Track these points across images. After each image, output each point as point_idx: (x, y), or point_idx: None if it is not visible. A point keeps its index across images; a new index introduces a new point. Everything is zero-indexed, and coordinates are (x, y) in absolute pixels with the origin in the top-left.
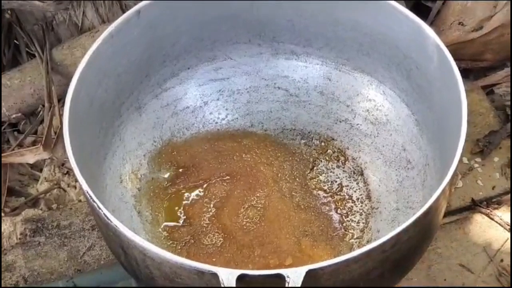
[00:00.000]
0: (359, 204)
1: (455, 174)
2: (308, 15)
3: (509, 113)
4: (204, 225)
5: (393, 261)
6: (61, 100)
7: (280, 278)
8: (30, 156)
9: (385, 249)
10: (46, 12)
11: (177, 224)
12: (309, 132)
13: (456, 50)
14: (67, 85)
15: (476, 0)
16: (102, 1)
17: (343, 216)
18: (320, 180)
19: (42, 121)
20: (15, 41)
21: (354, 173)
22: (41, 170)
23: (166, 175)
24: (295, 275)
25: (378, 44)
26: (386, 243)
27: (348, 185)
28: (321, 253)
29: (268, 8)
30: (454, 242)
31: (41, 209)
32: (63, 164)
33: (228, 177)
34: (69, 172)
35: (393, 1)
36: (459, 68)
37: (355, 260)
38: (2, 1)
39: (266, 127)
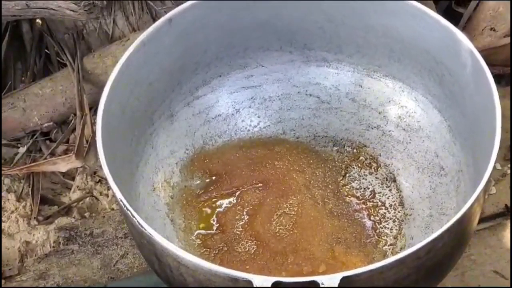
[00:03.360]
0: (392, 210)
1: (489, 181)
2: (339, 22)
3: None
4: (237, 232)
5: (428, 268)
6: (92, 108)
7: (315, 285)
8: (62, 165)
9: (420, 256)
10: (77, 21)
11: (210, 231)
12: (341, 139)
13: (488, 55)
14: (98, 93)
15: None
16: (132, 10)
17: (376, 223)
18: (353, 187)
19: (73, 130)
20: (46, 50)
21: (386, 179)
22: (73, 179)
23: (199, 183)
24: (330, 282)
25: (410, 50)
26: (421, 250)
27: (380, 192)
28: (355, 260)
29: (298, 15)
30: (488, 248)
31: (74, 218)
32: (95, 173)
33: (261, 185)
34: (101, 180)
35: (424, 6)
36: (491, 73)
37: (390, 267)
38: (33, 10)
39: (298, 134)
